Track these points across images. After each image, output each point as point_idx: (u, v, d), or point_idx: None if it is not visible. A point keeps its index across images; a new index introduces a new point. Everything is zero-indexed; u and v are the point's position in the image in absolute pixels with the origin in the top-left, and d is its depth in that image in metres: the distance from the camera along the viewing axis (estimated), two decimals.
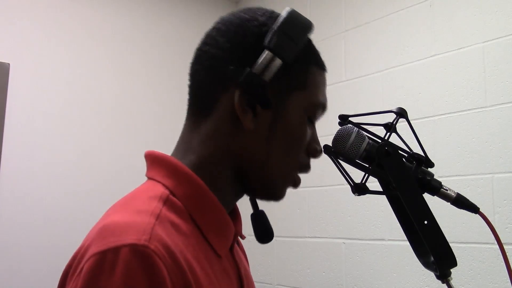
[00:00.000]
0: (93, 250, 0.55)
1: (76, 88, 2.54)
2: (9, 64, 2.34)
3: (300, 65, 0.70)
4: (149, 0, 2.85)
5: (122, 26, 2.74)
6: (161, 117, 2.76)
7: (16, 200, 2.31)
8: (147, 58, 2.79)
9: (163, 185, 0.66)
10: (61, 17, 2.54)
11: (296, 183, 0.74)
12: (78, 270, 0.55)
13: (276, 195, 0.73)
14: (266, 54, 0.66)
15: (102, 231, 0.57)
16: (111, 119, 2.63)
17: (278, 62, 0.66)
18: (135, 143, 2.63)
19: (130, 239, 0.54)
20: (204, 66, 0.70)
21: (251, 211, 0.82)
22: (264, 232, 0.81)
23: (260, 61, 0.66)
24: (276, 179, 0.71)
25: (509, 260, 0.76)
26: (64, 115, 2.49)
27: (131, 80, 2.73)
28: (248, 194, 0.76)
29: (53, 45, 2.49)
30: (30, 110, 2.40)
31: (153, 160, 0.71)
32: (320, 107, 0.73)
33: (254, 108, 0.67)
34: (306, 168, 0.74)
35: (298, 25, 0.69)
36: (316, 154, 0.74)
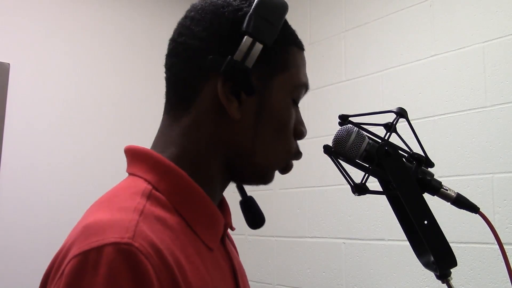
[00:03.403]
0: (74, 251, 0.53)
1: (76, 88, 2.54)
2: (9, 64, 2.34)
3: (280, 47, 0.68)
4: (149, 0, 2.85)
5: (123, 26, 2.74)
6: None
7: (16, 200, 2.31)
8: (148, 58, 2.79)
9: (145, 180, 0.64)
10: (61, 17, 2.54)
11: (287, 168, 0.73)
12: (59, 273, 0.53)
13: (266, 179, 0.72)
14: (245, 39, 0.64)
15: (84, 231, 0.55)
16: (112, 119, 2.63)
17: (259, 46, 0.64)
18: (136, 143, 2.62)
19: (113, 237, 0.52)
20: (182, 58, 0.68)
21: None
22: (255, 217, 0.79)
23: (241, 47, 0.64)
24: (266, 165, 0.70)
25: (509, 260, 0.76)
26: (64, 115, 2.49)
27: (131, 80, 2.73)
28: (235, 181, 0.74)
29: (53, 45, 2.49)
30: (30, 110, 2.40)
31: (133, 155, 0.69)
32: (303, 87, 0.72)
33: (238, 96, 0.66)
34: (297, 154, 0.73)
35: (274, 7, 0.67)
36: (301, 135, 0.73)
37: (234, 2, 0.68)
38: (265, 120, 0.68)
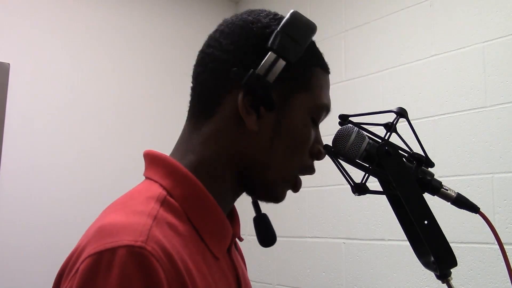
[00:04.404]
0: (89, 250, 0.55)
1: (76, 88, 2.54)
2: (9, 64, 2.34)
3: (304, 66, 0.70)
4: (149, 0, 2.85)
5: (122, 26, 2.74)
6: (162, 117, 2.76)
7: (16, 200, 2.31)
8: (148, 58, 2.79)
9: (161, 185, 0.66)
10: (61, 17, 2.54)
11: (296, 185, 0.74)
12: (73, 271, 0.55)
13: (277, 197, 0.73)
14: (269, 55, 0.66)
15: (99, 231, 0.57)
16: (111, 119, 2.63)
17: (281, 63, 0.66)
18: (136, 143, 2.63)
19: (127, 240, 0.54)
20: (208, 68, 0.70)
21: (252, 211, 0.81)
22: (266, 236, 0.81)
23: (264, 62, 0.66)
24: (278, 181, 0.71)
25: (509, 260, 0.76)
26: (64, 115, 2.49)
27: (131, 80, 2.73)
28: (248, 194, 0.75)
29: (53, 45, 2.49)
30: (30, 110, 2.40)
31: (151, 159, 0.71)
32: (324, 108, 0.73)
33: (258, 109, 0.67)
34: (310, 169, 0.75)
35: (302, 27, 0.69)
36: (319, 156, 0.75)
37: (264, 20, 0.70)
38: (282, 136, 0.69)
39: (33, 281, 2.24)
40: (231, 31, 0.70)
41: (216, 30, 0.73)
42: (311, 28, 0.70)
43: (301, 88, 0.70)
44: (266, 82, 0.65)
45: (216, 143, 0.69)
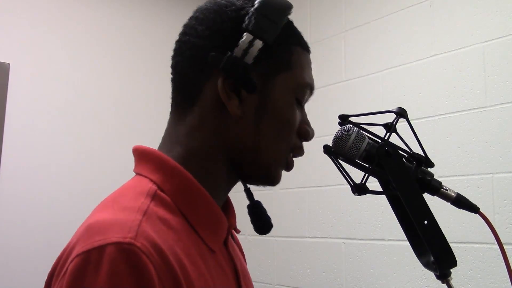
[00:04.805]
0: (77, 250, 0.54)
1: (76, 88, 2.54)
2: (9, 64, 2.34)
3: (283, 46, 0.69)
4: (149, 0, 2.85)
5: (122, 26, 2.74)
6: (162, 117, 2.75)
7: (16, 200, 2.31)
8: (147, 58, 2.79)
9: (151, 180, 0.65)
10: (61, 17, 2.54)
11: (289, 165, 0.72)
12: (63, 271, 0.54)
13: (273, 179, 0.71)
14: (245, 36, 0.65)
15: (87, 230, 0.56)
16: (111, 119, 2.63)
17: (258, 43, 0.65)
18: (135, 143, 2.62)
19: (115, 237, 0.53)
20: (185, 56, 0.69)
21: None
22: (262, 223, 0.79)
23: (240, 44, 0.64)
24: (269, 164, 0.70)
25: (509, 260, 0.76)
26: (64, 115, 2.49)
27: (131, 80, 2.73)
28: (242, 181, 0.74)
29: (53, 45, 2.49)
30: (30, 110, 2.40)
31: (140, 155, 0.70)
32: (307, 87, 0.72)
33: (239, 93, 0.66)
34: (299, 150, 0.73)
35: (277, 6, 0.67)
36: (307, 136, 0.73)
37: (237, 2, 0.68)
38: (266, 117, 0.68)
39: (33, 281, 2.24)
40: (205, 16, 0.69)
41: (191, 18, 0.72)
42: (286, 6, 0.69)
43: (282, 68, 0.69)
44: (244, 63, 0.64)
45: (202, 132, 0.67)
